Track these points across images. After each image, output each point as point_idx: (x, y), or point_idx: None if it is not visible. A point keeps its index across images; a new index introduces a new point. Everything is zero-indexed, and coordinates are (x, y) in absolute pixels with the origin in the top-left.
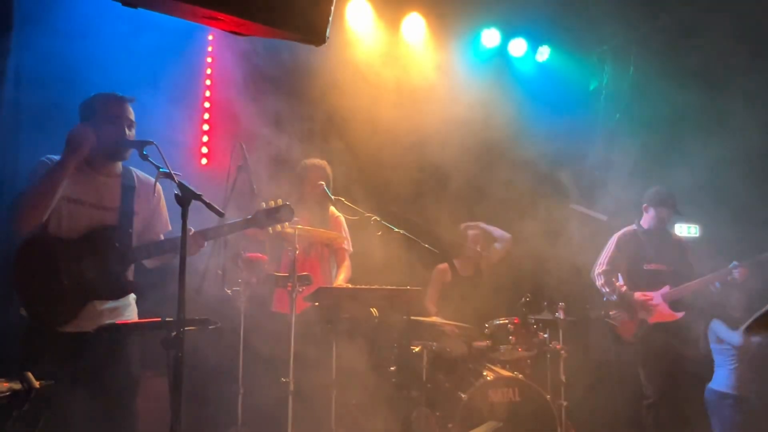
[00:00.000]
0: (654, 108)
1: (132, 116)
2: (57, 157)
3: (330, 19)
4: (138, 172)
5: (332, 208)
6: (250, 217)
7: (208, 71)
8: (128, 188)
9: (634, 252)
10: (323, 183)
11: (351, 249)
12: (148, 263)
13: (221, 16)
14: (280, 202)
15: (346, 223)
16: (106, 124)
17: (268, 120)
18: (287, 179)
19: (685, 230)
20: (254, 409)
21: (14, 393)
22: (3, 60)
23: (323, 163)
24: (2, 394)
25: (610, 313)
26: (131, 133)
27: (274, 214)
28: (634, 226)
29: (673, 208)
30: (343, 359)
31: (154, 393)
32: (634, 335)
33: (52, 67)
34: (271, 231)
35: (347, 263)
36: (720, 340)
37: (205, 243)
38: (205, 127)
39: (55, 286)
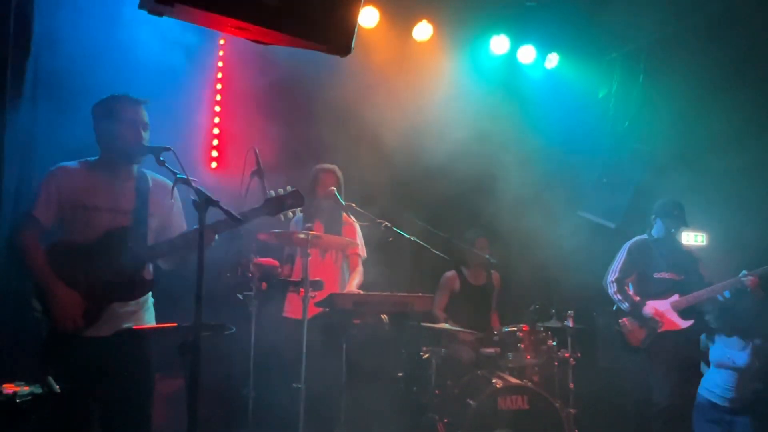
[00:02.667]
0: (663, 116)
1: (146, 119)
2: (71, 164)
3: (356, 30)
4: (152, 175)
5: (345, 214)
6: (258, 206)
7: (219, 75)
8: (143, 191)
9: (645, 261)
10: (334, 188)
11: (365, 255)
12: (163, 264)
13: (248, 26)
14: (289, 188)
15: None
16: (121, 128)
17: (278, 125)
18: (298, 185)
19: (692, 239)
20: (265, 413)
21: (36, 397)
22: (23, 60)
23: (334, 167)
24: (24, 398)
25: (620, 321)
26: (146, 136)
27: (283, 201)
28: (645, 236)
29: (680, 218)
30: (353, 365)
31: (164, 395)
32: (642, 342)
33: (69, 68)
34: (282, 218)
35: (360, 269)
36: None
37: (216, 236)
38: (216, 131)
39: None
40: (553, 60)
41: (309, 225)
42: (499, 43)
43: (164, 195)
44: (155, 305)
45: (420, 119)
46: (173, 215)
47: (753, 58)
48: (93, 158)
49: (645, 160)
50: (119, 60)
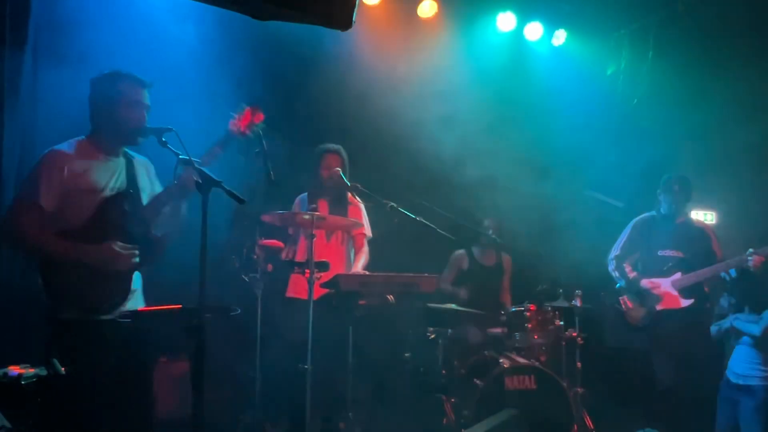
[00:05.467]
0: (672, 93)
1: (148, 101)
2: (64, 148)
3: (357, 3)
4: (134, 154)
5: (350, 195)
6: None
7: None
8: (131, 168)
9: (649, 238)
10: (339, 169)
11: (370, 235)
12: (156, 230)
13: None
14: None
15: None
16: (124, 109)
17: (277, 104)
18: (299, 165)
19: (701, 217)
20: (271, 395)
21: (40, 379)
22: (21, 46)
23: (339, 147)
24: (29, 380)
25: (620, 299)
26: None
27: None
28: (653, 212)
29: (680, 193)
30: (360, 345)
31: (170, 377)
32: (641, 321)
33: (70, 48)
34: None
35: (365, 249)
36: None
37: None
38: None
39: (78, 272)
40: (560, 37)
41: (313, 206)
42: (506, 20)
43: (148, 174)
44: (162, 287)
45: (424, 97)
46: (156, 188)
47: (763, 34)
48: (82, 137)
49: (654, 138)
50: (123, 33)
